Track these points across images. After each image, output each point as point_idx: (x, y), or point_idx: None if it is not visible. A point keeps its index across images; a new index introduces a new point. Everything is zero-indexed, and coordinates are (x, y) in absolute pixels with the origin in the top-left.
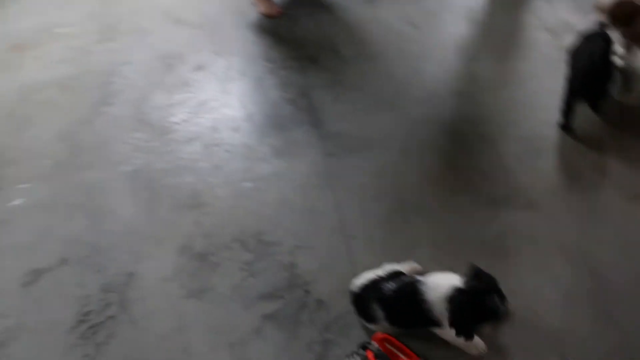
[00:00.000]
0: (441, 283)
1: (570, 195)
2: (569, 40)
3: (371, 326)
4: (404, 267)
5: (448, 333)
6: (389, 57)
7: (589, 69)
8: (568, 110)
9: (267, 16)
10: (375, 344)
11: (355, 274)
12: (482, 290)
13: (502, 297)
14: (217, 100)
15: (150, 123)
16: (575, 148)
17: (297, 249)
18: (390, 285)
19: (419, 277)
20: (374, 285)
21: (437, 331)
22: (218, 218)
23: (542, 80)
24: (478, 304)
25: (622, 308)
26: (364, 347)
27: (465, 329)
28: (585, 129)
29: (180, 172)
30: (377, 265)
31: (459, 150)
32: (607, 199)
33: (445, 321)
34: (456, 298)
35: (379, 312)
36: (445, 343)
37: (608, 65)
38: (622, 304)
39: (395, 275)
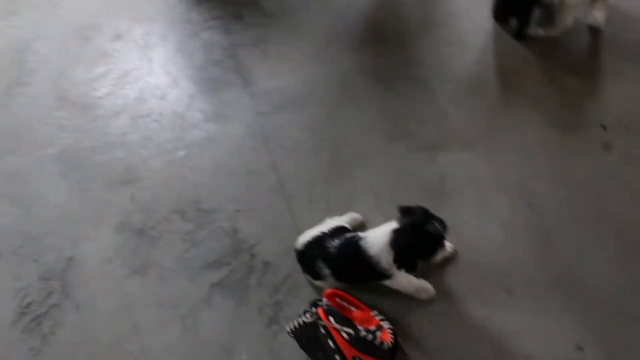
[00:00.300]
0: (380, 234)
1: (505, 133)
2: None
3: (318, 283)
4: (345, 219)
5: (397, 282)
6: (314, 9)
7: None
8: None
9: None
10: (325, 300)
11: (299, 232)
12: (417, 221)
13: (437, 220)
14: (140, 69)
15: (71, 100)
16: (507, 85)
17: (237, 213)
18: (334, 243)
19: (360, 234)
20: (317, 243)
21: (387, 283)
22: (154, 191)
23: (471, 20)
24: (418, 233)
25: (561, 238)
26: (315, 304)
27: (413, 263)
28: (515, 65)
29: (110, 148)
30: (319, 221)
31: (393, 97)
32: (541, 133)
33: (393, 271)
34: (396, 238)
35: (325, 270)
36: (394, 293)
37: None
38: (561, 234)
39: (338, 231)
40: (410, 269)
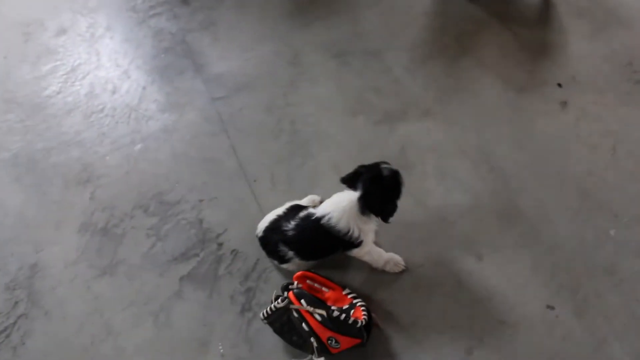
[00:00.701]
0: (343, 207)
1: (462, 98)
2: None
3: (286, 266)
4: (304, 201)
5: (364, 250)
6: None
7: None
8: None
9: None
10: (296, 283)
11: (264, 215)
12: (371, 176)
13: (378, 164)
14: (88, 63)
15: (19, 101)
16: (461, 49)
17: (201, 202)
18: (290, 225)
19: (313, 209)
20: (275, 227)
21: (353, 253)
22: (114, 187)
23: None
24: (381, 184)
25: (525, 199)
26: (286, 288)
27: (393, 208)
28: (468, 29)
29: (65, 148)
30: (283, 202)
31: (348, 71)
32: (498, 95)
33: (362, 237)
34: (367, 202)
35: (288, 252)
36: (365, 270)
37: None
38: (525, 195)
39: (293, 210)
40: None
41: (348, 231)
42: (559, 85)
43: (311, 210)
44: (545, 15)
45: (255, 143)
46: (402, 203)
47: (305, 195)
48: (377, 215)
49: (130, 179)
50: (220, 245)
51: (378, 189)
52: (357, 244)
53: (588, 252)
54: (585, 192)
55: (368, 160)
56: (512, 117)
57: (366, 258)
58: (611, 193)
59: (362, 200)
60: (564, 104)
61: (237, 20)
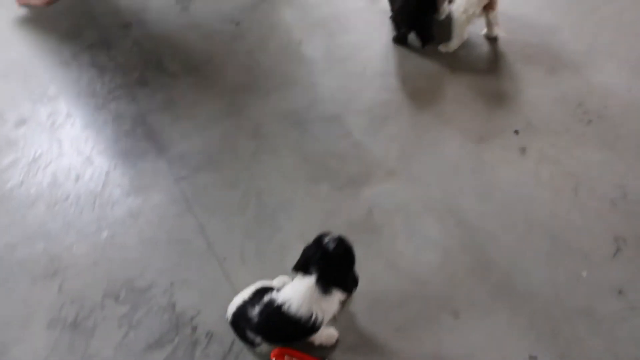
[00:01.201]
0: (302, 294)
1: (423, 155)
2: (386, 1)
3: (259, 349)
4: (275, 283)
5: (324, 333)
6: (218, 61)
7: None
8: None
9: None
10: None
11: (237, 293)
12: (321, 254)
13: (320, 238)
14: (50, 152)
15: None
16: (418, 106)
17: (172, 286)
18: (255, 309)
19: (275, 295)
20: (241, 312)
21: (314, 337)
22: (82, 278)
23: (371, 47)
24: (332, 259)
25: (495, 249)
26: None
27: (349, 281)
28: (423, 86)
29: (30, 241)
30: (255, 278)
31: (309, 138)
32: (458, 149)
33: (317, 322)
34: (325, 281)
35: (256, 337)
36: (346, 340)
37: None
38: (494, 244)
39: (259, 294)
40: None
41: (310, 316)
42: (516, 132)
43: (274, 295)
44: (495, 65)
45: (223, 220)
46: (373, 268)
47: (276, 271)
48: (340, 289)
49: (99, 267)
50: (194, 328)
51: (331, 265)
52: (316, 329)
53: (563, 296)
54: (554, 236)
55: (336, 229)
56: (474, 168)
57: (323, 337)
58: (579, 234)
59: (319, 282)
60: (523, 150)
61: (196, 97)
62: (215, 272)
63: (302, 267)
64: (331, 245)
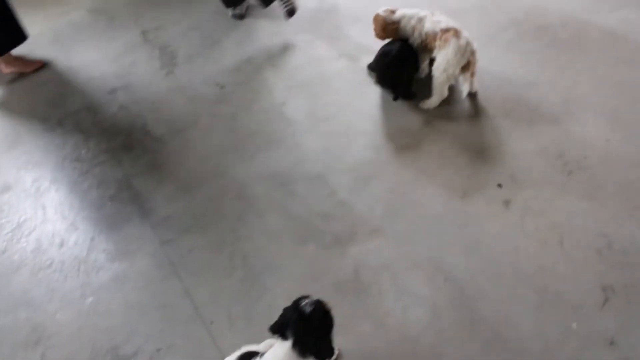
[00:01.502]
0: (275, 354)
1: (408, 212)
2: (367, 60)
3: None
4: (262, 346)
5: None
6: (202, 124)
7: (383, 64)
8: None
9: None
10: None
11: (224, 357)
12: (297, 317)
13: (297, 302)
14: (34, 218)
15: None
16: (402, 164)
17: (158, 352)
18: None
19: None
20: None
21: None
22: (67, 347)
23: (354, 106)
24: (308, 322)
25: (484, 304)
26: None
27: (322, 350)
28: (406, 143)
29: (13, 309)
30: (243, 342)
31: (294, 198)
32: (443, 204)
33: None
34: (302, 345)
35: None
36: None
37: (402, 62)
38: (483, 300)
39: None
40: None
41: None
42: (499, 185)
43: None
44: (476, 120)
45: (209, 283)
46: (361, 328)
47: (264, 333)
48: (313, 356)
49: (83, 335)
50: None
51: (307, 329)
52: None
53: (554, 349)
54: (541, 288)
55: (322, 289)
56: (459, 223)
57: None
58: (566, 285)
59: (295, 347)
60: (507, 203)
61: (181, 161)
62: (202, 337)
63: (278, 329)
64: (308, 309)
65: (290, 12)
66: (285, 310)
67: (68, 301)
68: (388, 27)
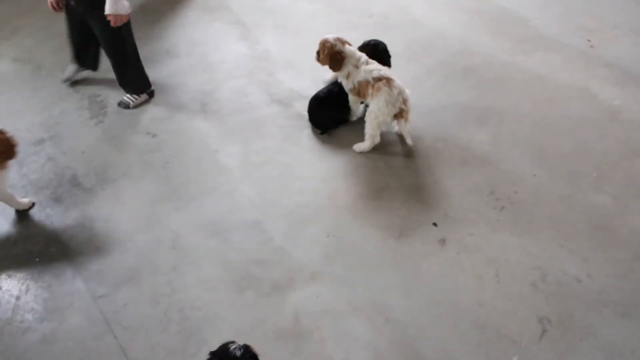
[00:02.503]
0: None
1: (346, 255)
2: (300, 106)
3: None
4: None
5: None
6: (135, 173)
7: (313, 102)
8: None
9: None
10: None
11: None
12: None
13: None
14: None
15: None
16: (335, 205)
17: None
18: None
19: None
20: None
21: None
22: None
23: (288, 151)
24: None
25: (426, 344)
26: None
27: None
28: (341, 187)
29: None
30: None
31: (230, 246)
32: (380, 246)
33: None
34: None
35: None
36: None
37: (331, 101)
38: (424, 338)
39: None
40: None
41: None
42: (435, 224)
43: None
44: (409, 161)
45: (145, 338)
46: None
47: None
48: None
49: None
50: None
51: None
52: None
53: None
54: (481, 324)
55: (263, 337)
56: (396, 264)
57: None
58: (505, 319)
59: None
60: (442, 241)
61: (112, 211)
62: None
63: None
64: (237, 352)
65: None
66: (213, 354)
67: None
68: (335, 55)
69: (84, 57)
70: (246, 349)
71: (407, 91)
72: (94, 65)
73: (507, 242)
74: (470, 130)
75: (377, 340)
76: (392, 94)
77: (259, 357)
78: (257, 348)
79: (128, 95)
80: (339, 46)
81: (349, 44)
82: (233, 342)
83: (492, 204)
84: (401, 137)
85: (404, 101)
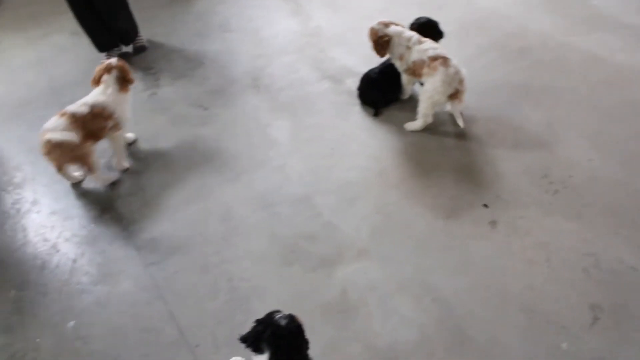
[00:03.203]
0: None
1: (395, 233)
2: (351, 82)
3: None
4: None
5: None
6: (186, 145)
7: (363, 82)
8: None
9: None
10: None
11: None
12: (271, 328)
13: (270, 315)
14: (13, 241)
15: None
16: (384, 183)
17: None
18: None
19: None
20: None
21: None
22: None
23: (338, 128)
24: (282, 335)
25: (472, 325)
26: None
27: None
28: (391, 164)
29: None
30: None
31: (279, 220)
32: (428, 225)
33: None
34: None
35: None
36: None
37: (383, 81)
38: (472, 321)
39: None
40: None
41: None
42: (485, 205)
43: None
44: (461, 141)
45: (194, 306)
46: (350, 350)
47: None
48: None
49: None
50: None
51: (284, 344)
52: None
53: None
54: (530, 308)
55: (310, 311)
56: (445, 244)
57: None
58: (555, 305)
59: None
60: (493, 223)
61: (164, 182)
62: None
63: (251, 341)
64: (283, 322)
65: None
66: (258, 322)
67: (49, 325)
68: (380, 39)
69: (104, 40)
70: (291, 318)
71: (463, 71)
72: (116, 41)
73: (559, 226)
74: (525, 111)
75: (424, 319)
76: (449, 73)
77: (305, 329)
78: (303, 320)
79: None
80: (381, 30)
81: (395, 24)
82: (278, 311)
83: (545, 187)
84: (453, 118)
85: (460, 81)
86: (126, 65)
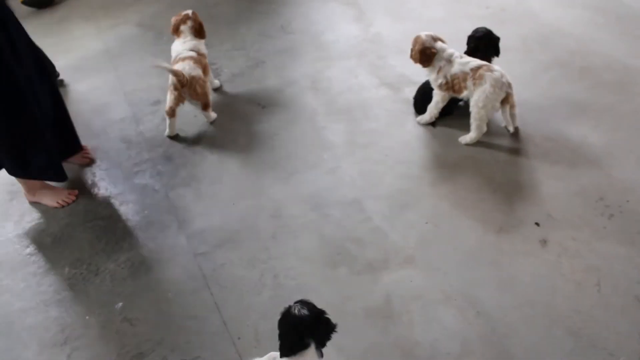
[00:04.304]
0: None
1: (443, 243)
2: (409, 91)
3: None
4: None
5: None
6: (242, 141)
7: (419, 93)
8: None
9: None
10: None
11: None
12: (290, 323)
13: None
14: None
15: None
16: (438, 195)
17: None
18: None
19: None
20: None
21: None
22: (92, 349)
23: (393, 136)
24: (300, 327)
25: (516, 343)
26: None
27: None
28: (443, 175)
29: (43, 308)
30: None
31: (328, 222)
32: (478, 239)
33: None
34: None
35: None
36: None
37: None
38: (515, 339)
39: None
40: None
41: None
42: (537, 224)
43: None
44: (515, 157)
45: (239, 299)
46: (390, 357)
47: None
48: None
49: (110, 339)
50: None
51: (306, 327)
52: None
53: None
54: (576, 332)
55: (352, 312)
56: (494, 259)
57: None
58: (603, 331)
59: (318, 348)
60: (543, 242)
61: (219, 175)
62: (229, 352)
63: (292, 347)
64: (296, 311)
65: None
66: (282, 325)
67: (98, 304)
68: (426, 50)
69: None
70: (303, 303)
71: (508, 76)
72: None
73: (612, 251)
74: (583, 132)
75: (466, 332)
76: (496, 77)
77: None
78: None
79: None
80: (429, 42)
81: (442, 41)
82: (291, 305)
83: (600, 210)
84: (509, 131)
85: (509, 85)
86: (198, 16)
